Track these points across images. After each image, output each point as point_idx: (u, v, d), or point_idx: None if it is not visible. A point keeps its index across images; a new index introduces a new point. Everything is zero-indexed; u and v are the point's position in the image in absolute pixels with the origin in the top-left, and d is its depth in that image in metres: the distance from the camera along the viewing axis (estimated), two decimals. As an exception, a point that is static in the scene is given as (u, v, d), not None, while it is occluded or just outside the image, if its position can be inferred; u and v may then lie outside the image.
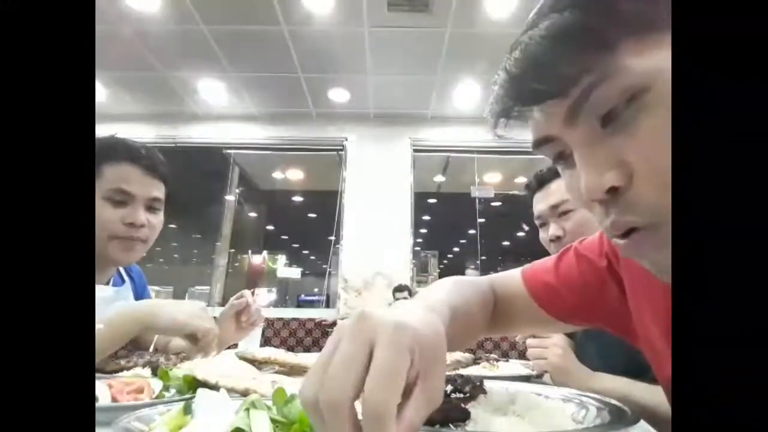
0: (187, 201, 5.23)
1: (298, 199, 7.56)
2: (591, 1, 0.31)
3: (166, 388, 0.61)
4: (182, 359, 0.83)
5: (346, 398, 0.25)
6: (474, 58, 3.57)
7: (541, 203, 1.05)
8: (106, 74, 3.86)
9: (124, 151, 0.93)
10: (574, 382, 0.80)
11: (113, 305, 0.93)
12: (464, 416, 0.48)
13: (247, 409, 0.40)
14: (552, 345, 0.87)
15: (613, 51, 0.31)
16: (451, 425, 0.47)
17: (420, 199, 4.91)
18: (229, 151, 4.83)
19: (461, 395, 0.56)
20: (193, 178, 5.06)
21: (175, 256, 7.95)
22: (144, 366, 0.80)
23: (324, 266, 4.74)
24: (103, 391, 0.55)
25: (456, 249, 10.93)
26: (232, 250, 5.56)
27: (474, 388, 0.59)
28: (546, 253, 1.09)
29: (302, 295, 6.88)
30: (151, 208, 0.98)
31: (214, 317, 0.99)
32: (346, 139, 4.57)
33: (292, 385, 0.65)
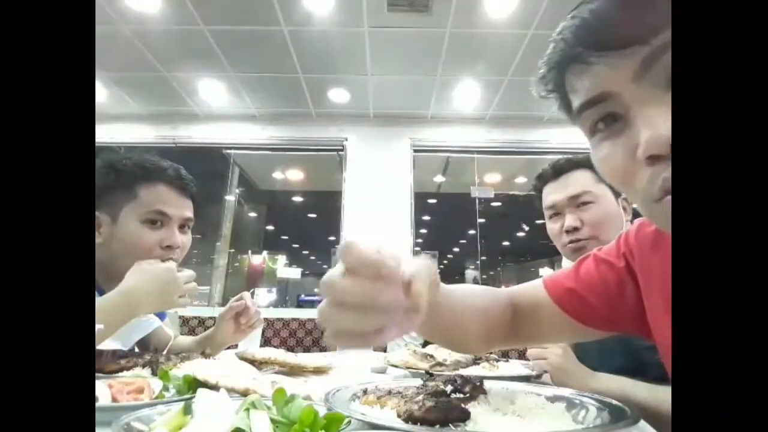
0: (187, 201, 5.23)
1: (298, 199, 7.56)
2: None
3: (166, 388, 0.61)
4: (182, 359, 0.83)
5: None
6: (474, 58, 3.56)
7: (556, 193, 1.02)
8: (106, 74, 3.86)
9: (159, 173, 0.94)
10: (574, 382, 0.80)
11: (129, 326, 0.91)
12: (464, 416, 0.48)
13: (247, 409, 0.40)
14: (552, 345, 0.87)
15: None
16: (451, 425, 0.47)
17: (420, 199, 4.91)
18: (229, 151, 4.83)
19: (461, 395, 0.56)
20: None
21: (175, 256, 7.94)
22: (144, 366, 0.80)
23: (324, 266, 4.74)
24: (103, 391, 0.55)
25: (456, 249, 10.93)
26: (232, 250, 5.56)
27: (474, 388, 0.59)
28: (551, 249, 1.08)
29: (302, 295, 6.88)
30: (183, 227, 0.98)
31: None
32: (346, 139, 4.56)
33: (292, 385, 0.65)
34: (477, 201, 4.66)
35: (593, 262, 0.65)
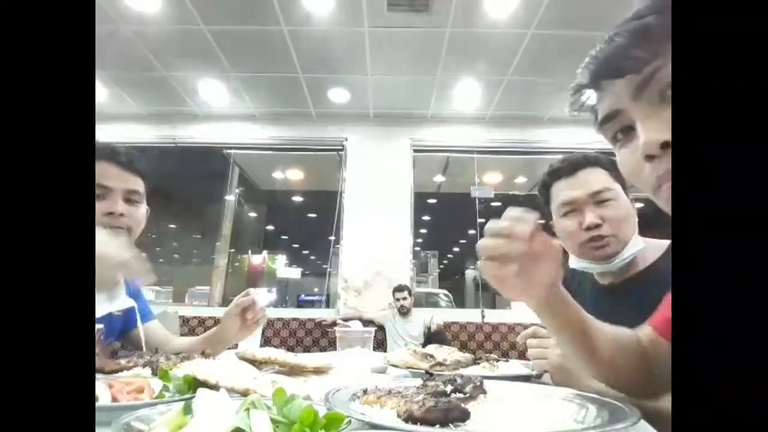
0: (187, 201, 5.24)
1: (298, 199, 7.56)
2: (660, 13, 0.43)
3: (166, 388, 0.61)
4: (182, 359, 0.83)
5: None
6: (474, 58, 3.56)
7: (574, 189, 0.98)
8: (106, 74, 3.86)
9: (102, 151, 1.00)
10: (574, 382, 0.80)
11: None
12: (464, 416, 0.48)
13: (247, 409, 0.40)
14: (552, 345, 0.87)
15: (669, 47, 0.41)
16: (451, 425, 0.47)
17: (420, 199, 4.91)
18: (229, 151, 4.83)
19: (461, 395, 0.56)
20: (193, 178, 5.07)
21: (175, 256, 7.96)
22: (144, 366, 0.80)
23: (324, 266, 4.74)
24: (103, 390, 0.55)
25: (456, 249, 10.94)
26: (232, 250, 5.56)
27: (474, 388, 0.59)
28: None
29: (302, 295, 6.88)
30: (129, 200, 1.03)
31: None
32: (346, 139, 4.57)
33: (292, 385, 0.65)
34: (477, 201, 4.66)
35: None
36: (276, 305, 5.95)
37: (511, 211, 0.61)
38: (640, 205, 1.01)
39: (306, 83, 3.97)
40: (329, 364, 0.93)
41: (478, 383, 0.61)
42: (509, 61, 3.58)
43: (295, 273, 7.57)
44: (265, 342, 3.57)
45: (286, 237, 9.73)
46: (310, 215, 7.94)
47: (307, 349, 3.90)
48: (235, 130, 4.62)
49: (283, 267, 7.60)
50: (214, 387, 0.57)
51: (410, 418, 0.47)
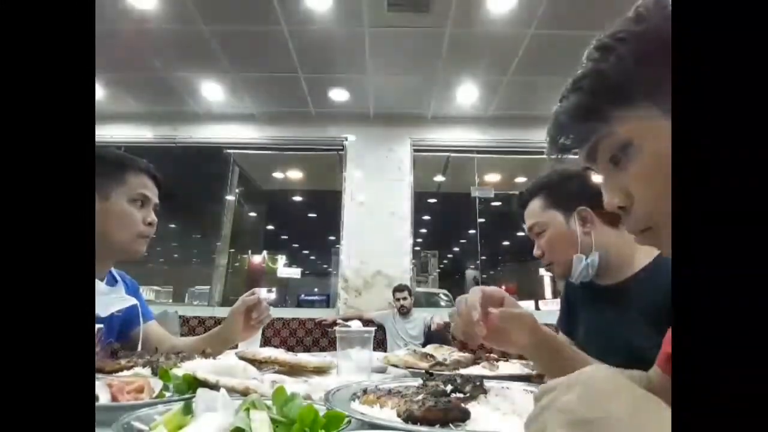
0: (187, 201, 5.24)
1: (298, 199, 7.56)
2: (597, 89, 0.48)
3: (166, 387, 0.61)
4: (182, 359, 0.83)
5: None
6: (474, 58, 3.56)
7: (524, 223, 1.11)
8: (106, 74, 3.86)
9: (141, 164, 1.12)
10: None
11: (106, 297, 1.05)
12: (464, 416, 0.48)
13: (247, 409, 0.40)
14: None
15: (608, 121, 0.48)
16: (451, 425, 0.47)
17: (420, 199, 4.91)
18: (229, 151, 4.82)
19: (461, 395, 0.57)
20: (193, 178, 5.07)
21: (175, 256, 7.96)
22: (144, 365, 0.80)
23: (324, 266, 4.74)
24: (103, 390, 0.55)
25: (456, 249, 10.93)
26: (232, 250, 5.56)
27: (474, 388, 0.59)
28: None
29: (302, 295, 6.88)
30: (155, 209, 1.13)
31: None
32: (346, 139, 4.56)
33: (292, 385, 0.65)
34: (477, 201, 4.66)
35: None
36: (276, 305, 5.94)
37: (474, 294, 0.70)
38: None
39: (306, 83, 3.97)
40: (329, 364, 0.93)
41: (478, 383, 0.61)
42: (509, 61, 3.58)
43: (295, 273, 7.57)
44: (265, 342, 3.56)
45: (286, 237, 9.72)
46: (310, 215, 7.93)
47: (307, 349, 3.90)
48: (235, 130, 4.62)
49: (283, 267, 7.60)
50: (214, 387, 0.57)
51: (410, 418, 0.47)
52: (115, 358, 0.86)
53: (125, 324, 1.15)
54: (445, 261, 11.59)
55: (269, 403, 0.43)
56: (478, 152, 4.67)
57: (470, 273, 11.27)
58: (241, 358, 0.94)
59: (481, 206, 4.69)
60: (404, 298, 3.67)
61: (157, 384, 0.62)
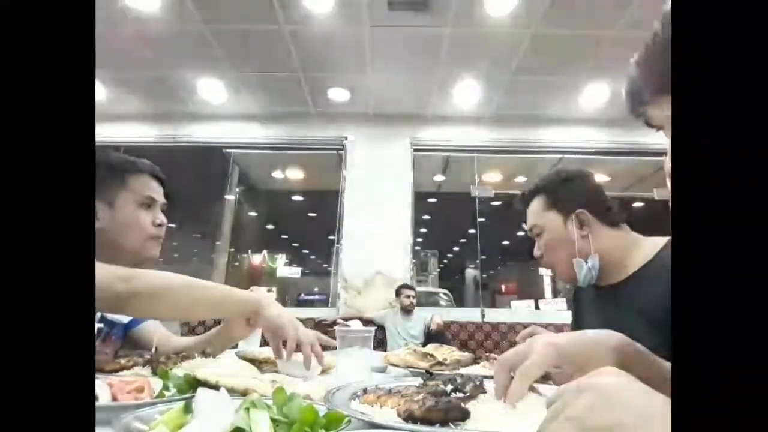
0: (187, 201, 5.23)
1: (298, 198, 7.56)
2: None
3: (166, 387, 0.61)
4: (182, 358, 0.83)
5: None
6: (474, 57, 3.56)
7: (526, 224, 1.11)
8: (106, 74, 3.86)
9: (143, 166, 1.09)
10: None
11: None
12: (464, 416, 0.48)
13: (247, 409, 0.40)
14: None
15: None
16: (451, 424, 0.47)
17: (420, 199, 4.91)
18: (229, 150, 4.82)
19: (461, 395, 0.57)
20: (193, 178, 5.07)
21: (175, 255, 7.95)
22: (144, 365, 0.80)
23: (324, 266, 4.74)
24: (104, 390, 0.55)
25: (456, 248, 10.94)
26: (232, 250, 5.56)
27: (474, 387, 0.59)
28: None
29: (302, 295, 6.89)
30: (162, 210, 1.13)
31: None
32: (346, 139, 4.56)
33: (292, 385, 0.65)
34: (477, 200, 4.66)
35: None
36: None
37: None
38: (640, 204, 1.06)
39: (306, 83, 3.97)
40: (329, 364, 0.93)
41: (478, 382, 0.61)
42: (509, 61, 3.58)
43: (295, 272, 7.57)
44: (265, 342, 3.56)
45: (286, 237, 9.72)
46: (310, 215, 7.93)
47: (307, 349, 3.89)
48: (235, 130, 4.62)
49: (283, 266, 7.60)
50: (214, 387, 0.57)
51: (410, 418, 0.47)
52: (115, 358, 0.86)
53: (128, 324, 1.15)
54: (445, 261, 11.60)
55: (269, 402, 0.43)
56: (478, 152, 4.67)
57: (470, 272, 11.27)
58: (241, 358, 0.94)
59: (481, 206, 4.69)
60: (413, 296, 3.69)
61: (157, 384, 0.62)
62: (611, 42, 3.25)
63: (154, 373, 0.74)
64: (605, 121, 4.34)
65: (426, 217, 6.93)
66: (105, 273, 0.76)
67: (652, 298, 0.84)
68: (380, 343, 3.61)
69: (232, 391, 0.58)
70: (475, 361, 1.06)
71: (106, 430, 0.41)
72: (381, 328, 3.66)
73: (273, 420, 0.40)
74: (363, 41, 3.38)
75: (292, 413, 0.41)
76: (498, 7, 3.03)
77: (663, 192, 4.20)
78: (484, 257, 5.40)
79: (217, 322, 1.14)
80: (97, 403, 0.51)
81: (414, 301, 3.69)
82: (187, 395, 0.55)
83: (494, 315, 4.14)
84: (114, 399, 0.55)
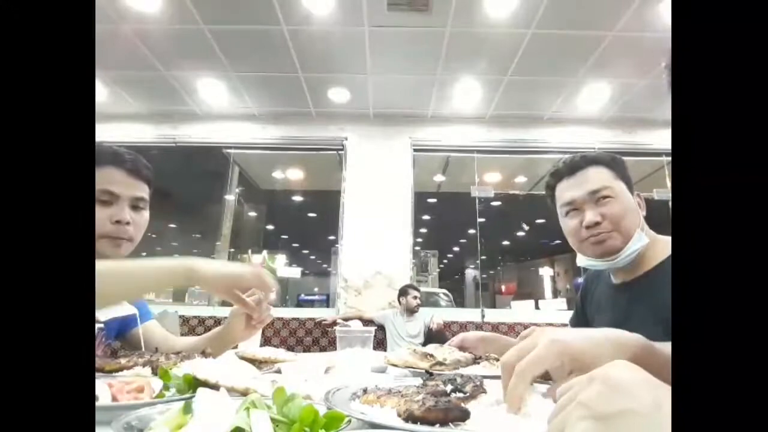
0: (187, 201, 5.24)
1: (298, 198, 7.56)
2: None
3: (166, 387, 0.61)
4: (182, 358, 0.83)
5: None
6: (474, 58, 3.56)
7: (574, 189, 1.02)
8: (106, 74, 3.86)
9: (108, 156, 0.98)
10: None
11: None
12: (464, 416, 0.48)
13: (247, 409, 0.40)
14: None
15: None
16: (451, 424, 0.47)
17: (420, 199, 4.91)
18: (229, 150, 4.82)
19: (461, 395, 0.56)
20: (193, 178, 5.07)
21: (175, 255, 7.96)
22: (144, 365, 0.80)
23: (324, 266, 4.74)
24: (103, 390, 0.55)
25: (456, 249, 10.94)
26: (232, 250, 5.56)
27: (474, 387, 0.59)
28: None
29: (302, 295, 6.89)
30: (135, 207, 1.02)
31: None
32: (346, 139, 4.56)
33: (292, 385, 0.65)
34: (477, 200, 4.66)
35: None
36: (276, 305, 5.94)
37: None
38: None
39: (306, 83, 3.97)
40: (329, 364, 0.93)
41: (478, 383, 0.61)
42: (509, 61, 3.58)
43: (294, 272, 7.57)
44: (265, 342, 3.57)
45: (286, 237, 9.72)
46: (310, 215, 7.94)
47: (307, 349, 3.90)
48: (235, 130, 4.62)
49: (283, 267, 7.60)
50: (214, 387, 0.57)
51: (410, 418, 0.47)
52: (115, 358, 0.86)
53: (124, 325, 1.15)
54: (445, 261, 11.60)
55: (269, 402, 0.43)
56: (478, 152, 4.67)
57: (470, 273, 11.27)
58: (241, 358, 0.94)
59: (481, 206, 4.69)
60: (419, 297, 3.70)
61: (157, 384, 0.62)
62: (611, 42, 3.25)
63: (154, 373, 0.74)
64: (605, 121, 4.34)
65: (426, 217, 6.93)
66: None
67: (664, 296, 0.85)
68: (380, 344, 3.61)
69: (232, 391, 0.58)
70: (475, 361, 1.06)
71: (106, 430, 0.41)
72: (381, 328, 3.66)
73: (273, 420, 0.40)
74: (363, 41, 3.38)
75: (292, 413, 0.41)
76: (498, 7, 3.03)
77: (663, 192, 4.21)
78: (484, 257, 5.40)
79: (217, 322, 1.14)
80: (97, 404, 0.51)
81: (419, 302, 3.69)
82: (187, 395, 0.54)
83: (494, 315, 4.14)
84: (114, 399, 0.55)
